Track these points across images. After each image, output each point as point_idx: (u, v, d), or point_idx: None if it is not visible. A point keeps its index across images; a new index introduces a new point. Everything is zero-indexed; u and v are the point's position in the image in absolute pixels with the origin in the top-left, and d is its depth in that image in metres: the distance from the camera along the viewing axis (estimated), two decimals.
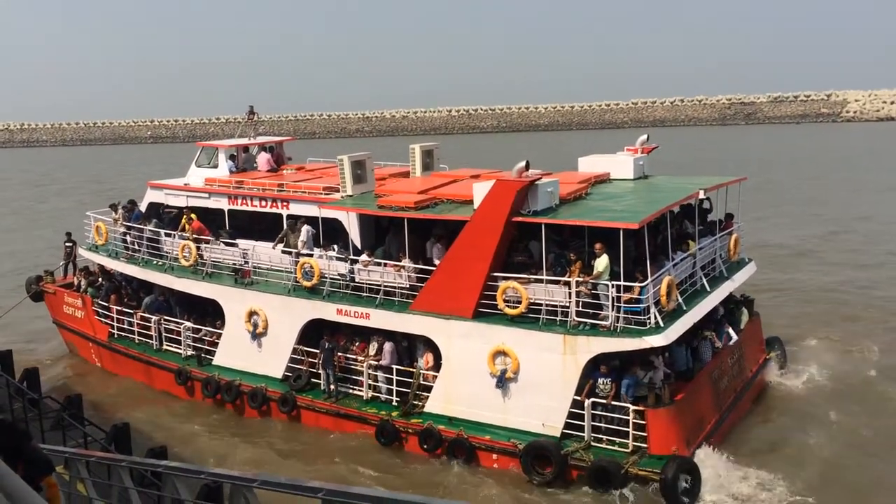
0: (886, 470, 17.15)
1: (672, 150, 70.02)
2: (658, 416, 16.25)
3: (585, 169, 22.32)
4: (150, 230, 23.98)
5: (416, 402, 18.76)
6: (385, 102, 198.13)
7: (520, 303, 17.17)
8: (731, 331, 19.71)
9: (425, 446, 17.96)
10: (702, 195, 19.05)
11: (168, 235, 23.71)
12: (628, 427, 16.30)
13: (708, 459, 16.42)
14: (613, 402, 16.42)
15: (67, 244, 28.08)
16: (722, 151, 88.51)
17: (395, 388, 19.11)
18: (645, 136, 23.19)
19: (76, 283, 26.66)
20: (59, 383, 24.67)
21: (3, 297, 30.36)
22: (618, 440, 16.56)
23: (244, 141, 26.11)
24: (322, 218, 20.59)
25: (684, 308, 17.46)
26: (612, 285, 16.35)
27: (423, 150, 23.63)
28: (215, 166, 25.28)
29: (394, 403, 19.12)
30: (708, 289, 19.05)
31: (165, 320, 23.28)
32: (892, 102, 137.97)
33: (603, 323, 16.59)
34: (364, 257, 19.52)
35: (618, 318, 16.38)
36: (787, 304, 29.46)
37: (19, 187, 79.77)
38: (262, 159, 25.58)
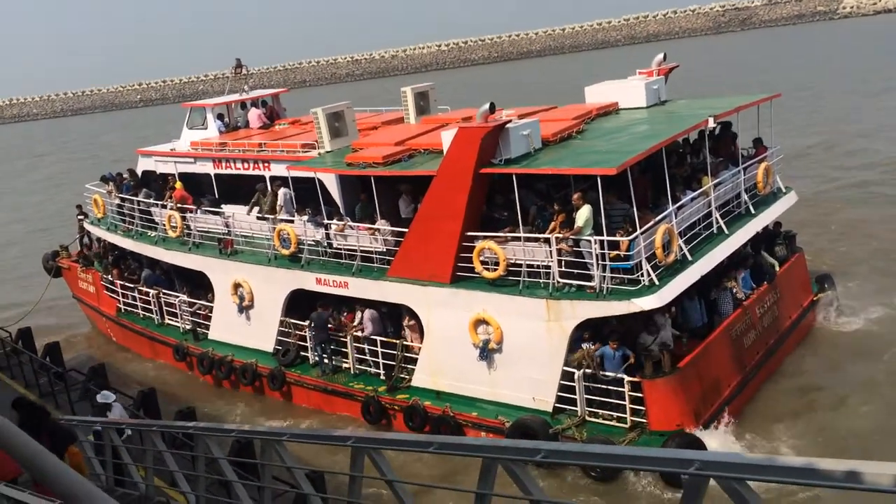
0: None
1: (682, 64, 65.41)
2: (656, 388, 14.08)
3: (593, 99, 19.69)
4: (137, 201, 22.91)
5: (403, 376, 17.17)
6: (372, 43, 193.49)
7: (498, 265, 15.16)
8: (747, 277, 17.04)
9: (411, 424, 16.40)
10: (711, 123, 16.26)
11: (154, 206, 22.58)
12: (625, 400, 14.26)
13: (720, 433, 14.24)
14: (603, 374, 14.34)
15: (79, 216, 27.50)
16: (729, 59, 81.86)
17: (380, 360, 17.56)
18: (661, 56, 20.21)
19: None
20: (82, 357, 24.35)
21: None
22: (616, 415, 14.55)
23: (233, 97, 24.44)
24: (303, 178, 18.86)
25: (689, 259, 15.04)
26: (595, 240, 14.09)
27: (415, 92, 21.26)
28: (206, 127, 23.83)
29: (381, 378, 17.60)
30: (726, 231, 16.46)
31: (164, 294, 22.38)
32: None
33: (590, 284, 14.40)
34: (336, 221, 17.79)
35: (604, 277, 14.16)
36: (839, 235, 26.09)
37: None
38: (253, 115, 23.90)
